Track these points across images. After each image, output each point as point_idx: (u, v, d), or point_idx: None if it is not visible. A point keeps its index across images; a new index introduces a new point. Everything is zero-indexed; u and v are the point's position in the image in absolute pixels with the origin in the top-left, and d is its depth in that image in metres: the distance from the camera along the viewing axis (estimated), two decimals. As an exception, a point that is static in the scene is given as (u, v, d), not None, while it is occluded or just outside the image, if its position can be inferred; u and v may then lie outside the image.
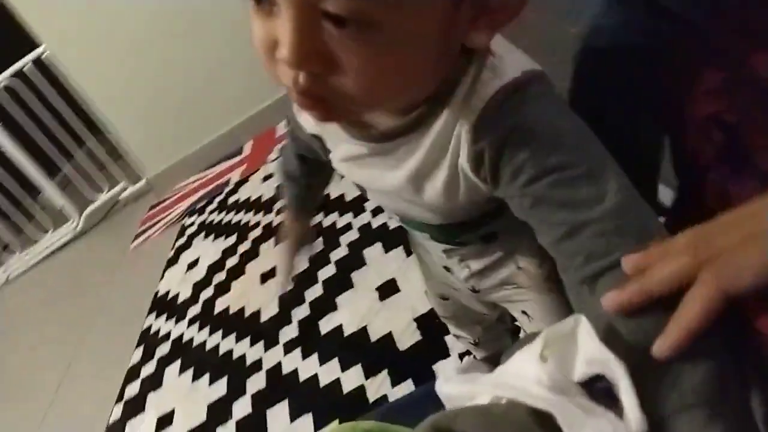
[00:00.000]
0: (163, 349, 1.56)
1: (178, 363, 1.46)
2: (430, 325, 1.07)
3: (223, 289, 1.65)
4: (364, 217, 1.53)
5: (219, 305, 1.58)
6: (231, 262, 1.75)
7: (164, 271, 1.98)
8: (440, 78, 0.42)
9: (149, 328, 1.70)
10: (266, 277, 1.57)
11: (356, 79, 0.36)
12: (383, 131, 0.45)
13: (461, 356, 0.96)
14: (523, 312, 0.63)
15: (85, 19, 2.43)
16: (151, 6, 2.41)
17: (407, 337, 1.09)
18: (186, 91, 2.58)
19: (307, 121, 0.54)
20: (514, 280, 0.60)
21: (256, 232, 1.82)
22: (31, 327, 2.37)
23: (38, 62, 2.59)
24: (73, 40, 2.47)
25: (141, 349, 1.62)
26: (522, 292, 0.61)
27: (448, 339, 1.01)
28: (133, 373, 1.54)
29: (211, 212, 2.19)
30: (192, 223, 2.20)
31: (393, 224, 1.42)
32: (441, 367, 0.98)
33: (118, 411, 1.44)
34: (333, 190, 1.76)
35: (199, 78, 2.57)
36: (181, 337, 1.56)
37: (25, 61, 2.60)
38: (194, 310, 1.64)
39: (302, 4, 0.34)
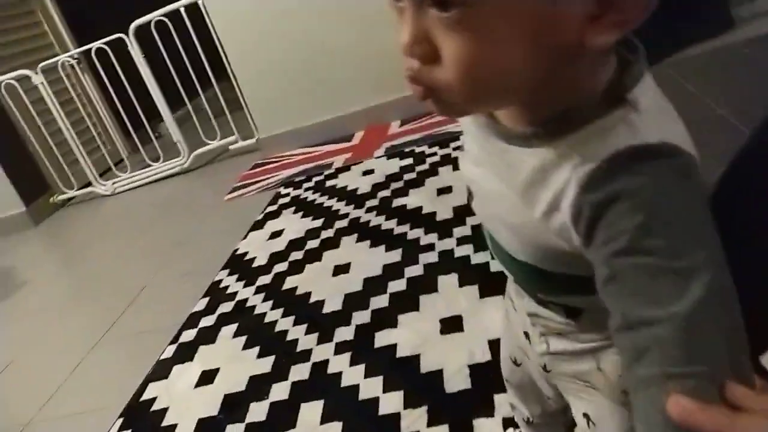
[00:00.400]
0: (225, 308, 1.61)
1: (234, 326, 1.50)
2: (483, 377, 1.04)
3: (296, 268, 1.68)
4: (448, 243, 1.51)
5: (288, 282, 1.62)
6: (311, 244, 1.78)
7: (249, 231, 2.05)
8: (554, 87, 0.40)
9: (219, 282, 1.76)
10: (339, 270, 1.58)
11: (453, 68, 0.37)
12: (504, 131, 0.45)
13: (505, 423, 0.93)
14: (585, 415, 0.59)
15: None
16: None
17: (457, 380, 1.06)
18: (316, 66, 2.65)
19: (462, 120, 0.53)
20: (589, 378, 0.56)
21: (342, 223, 1.84)
22: (123, 239, 2.53)
23: (191, 6, 2.75)
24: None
25: (206, 300, 1.68)
26: (593, 392, 0.57)
27: (498, 398, 0.98)
28: (192, 320, 1.61)
29: (307, 189, 2.24)
30: (286, 194, 2.26)
31: (477, 260, 1.40)
32: (481, 425, 0.95)
33: (169, 351, 1.51)
34: (426, 206, 1.76)
35: (332, 57, 2.63)
36: (245, 301, 1.61)
37: (181, 4, 2.77)
38: (264, 279, 1.68)
39: None
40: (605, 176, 0.37)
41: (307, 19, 2.58)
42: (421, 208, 1.75)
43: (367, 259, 1.58)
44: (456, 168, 1.89)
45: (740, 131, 1.49)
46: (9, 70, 3.11)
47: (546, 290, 0.53)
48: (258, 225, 2.07)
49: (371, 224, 1.77)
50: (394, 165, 2.17)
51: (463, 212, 1.63)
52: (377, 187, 2.03)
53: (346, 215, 1.89)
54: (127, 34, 2.89)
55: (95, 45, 3.01)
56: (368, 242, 1.67)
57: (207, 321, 1.58)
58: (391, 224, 1.72)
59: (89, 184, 3.30)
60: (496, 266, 1.30)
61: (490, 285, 1.28)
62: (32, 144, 3.24)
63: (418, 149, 2.23)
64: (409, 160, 2.16)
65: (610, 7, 0.35)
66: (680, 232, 0.36)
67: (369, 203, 1.92)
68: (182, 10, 2.79)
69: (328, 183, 2.22)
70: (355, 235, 1.74)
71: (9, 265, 2.77)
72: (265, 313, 1.51)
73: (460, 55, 0.36)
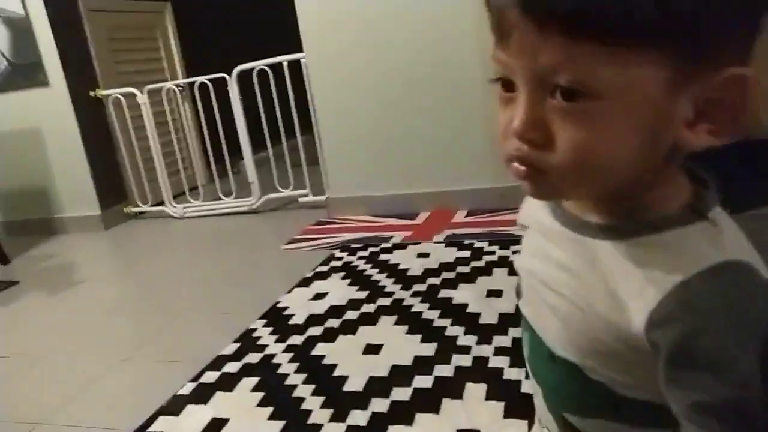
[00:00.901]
0: (252, 358, 1.61)
1: (256, 380, 1.50)
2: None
3: (330, 335, 1.67)
4: (485, 350, 1.46)
5: (318, 349, 1.61)
6: (350, 315, 1.78)
7: (295, 287, 2.07)
8: (640, 182, 0.43)
9: (253, 330, 1.78)
10: (370, 349, 1.56)
11: (569, 154, 0.39)
12: (578, 221, 0.47)
13: None
14: None
15: (349, 48, 2.69)
16: (409, 55, 2.60)
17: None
18: (398, 141, 2.72)
19: (522, 215, 0.57)
20: None
21: (385, 301, 1.83)
22: (178, 262, 2.61)
23: (294, 61, 2.91)
24: (330, 60, 2.73)
25: (236, 346, 1.69)
26: None
27: None
28: (218, 363, 1.61)
29: (361, 258, 2.25)
30: (340, 258, 2.28)
31: (510, 375, 1.35)
32: None
33: (188, 388, 1.51)
34: (473, 305, 1.73)
35: (414, 136, 2.69)
36: (272, 356, 1.60)
37: (285, 59, 2.95)
38: (296, 339, 1.68)
39: (536, 78, 0.39)
40: (691, 293, 0.39)
41: (398, 98, 2.67)
42: (467, 305, 1.73)
43: (401, 345, 1.56)
44: (512, 273, 1.86)
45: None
46: (120, 86, 3.35)
47: (574, 405, 0.51)
48: (305, 282, 2.09)
49: (413, 309, 1.75)
50: (451, 254, 2.16)
51: (507, 320, 1.59)
52: (429, 272, 2.02)
53: (391, 294, 1.88)
54: (230, 74, 3.07)
55: (200, 79, 3.22)
56: (406, 327, 1.65)
57: (231, 367, 1.58)
58: (433, 314, 1.70)
59: (162, 203, 3.45)
60: (527, 387, 1.25)
61: (518, 406, 1.23)
62: (122, 155, 3.44)
63: (477, 244, 2.22)
64: (466, 253, 2.14)
65: (705, 116, 0.39)
66: (736, 374, 0.39)
67: (416, 287, 1.90)
68: (285, 63, 2.95)
69: (382, 256, 2.23)
70: (395, 317, 1.72)
71: (74, 260, 2.91)
72: (288, 375, 1.50)
73: (579, 142, 0.39)
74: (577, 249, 0.47)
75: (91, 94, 3.31)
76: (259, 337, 1.73)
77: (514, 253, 2.05)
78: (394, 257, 2.21)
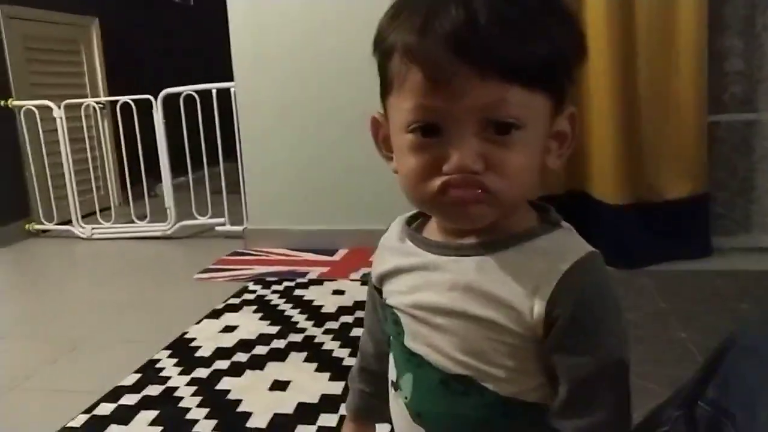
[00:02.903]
0: (153, 390, 1.55)
1: (154, 413, 1.44)
2: None
3: (237, 370, 1.64)
4: (393, 390, 1.49)
5: (224, 383, 1.57)
6: (259, 349, 1.75)
7: (204, 318, 2.02)
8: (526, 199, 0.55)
9: (157, 361, 1.71)
10: (277, 385, 1.54)
11: (513, 173, 0.48)
12: (456, 245, 0.55)
13: None
14: None
15: (280, 82, 2.72)
16: (338, 93, 2.65)
17: None
18: (320, 176, 2.75)
19: (377, 265, 0.65)
20: None
21: (296, 337, 1.82)
22: (81, 285, 2.48)
23: (224, 89, 2.91)
24: (260, 92, 2.75)
25: (137, 376, 1.63)
26: None
27: None
28: (115, 394, 1.54)
29: (275, 292, 2.24)
30: (253, 291, 2.26)
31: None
32: None
33: (80, 420, 1.43)
34: (383, 344, 1.74)
35: (338, 174, 2.73)
36: (175, 389, 1.55)
37: (215, 86, 2.94)
38: (201, 372, 1.64)
39: (472, 124, 0.47)
40: (570, 281, 0.50)
41: (325, 134, 2.71)
42: None
43: (309, 383, 1.55)
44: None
45: (696, 360, 1.52)
46: (35, 98, 3.21)
47: (468, 428, 0.56)
48: (215, 314, 2.05)
49: (323, 347, 1.75)
50: (366, 293, 2.17)
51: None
52: (342, 310, 2.03)
53: (302, 330, 1.88)
54: (156, 96, 3.02)
55: (124, 98, 3.14)
56: (315, 365, 1.65)
57: (129, 399, 1.52)
58: (343, 353, 1.71)
59: (69, 221, 3.29)
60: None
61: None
62: (30, 169, 3.27)
63: (392, 284, 2.25)
64: (381, 293, 2.17)
65: (556, 145, 0.53)
66: (610, 327, 0.53)
67: (329, 324, 1.91)
68: (214, 91, 2.94)
69: (297, 292, 2.22)
70: (305, 354, 1.71)
71: (-42, 279, 2.70)
72: (189, 409, 1.45)
73: (518, 164, 0.49)
74: (464, 267, 0.54)
75: (2, 103, 3.14)
76: (162, 369, 1.67)
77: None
78: (309, 293, 2.21)
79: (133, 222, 3.27)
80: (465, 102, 0.46)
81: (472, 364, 0.54)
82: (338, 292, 2.20)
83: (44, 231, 3.34)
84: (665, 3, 2.20)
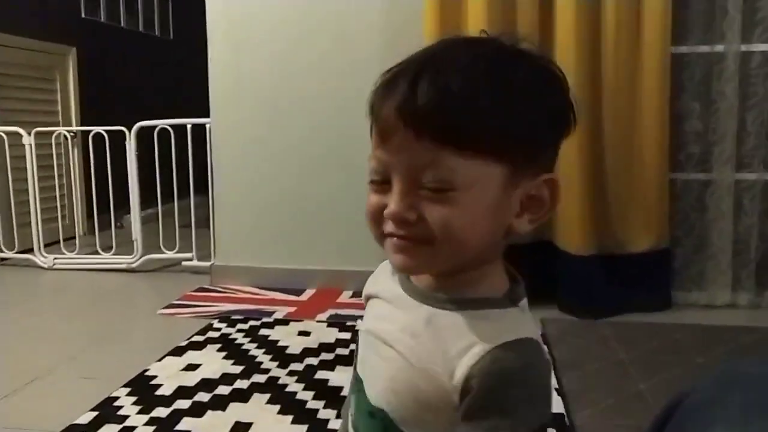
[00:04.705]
0: (110, 430, 1.51)
1: (110, 454, 1.41)
2: None
3: (197, 410, 1.61)
4: (356, 435, 1.48)
5: (184, 423, 1.54)
6: (222, 389, 1.73)
7: (166, 355, 1.98)
8: (486, 260, 0.58)
9: (115, 399, 1.67)
10: (239, 428, 1.52)
11: (437, 224, 0.52)
12: (428, 293, 0.59)
13: None
14: None
15: (256, 120, 2.76)
16: (313, 134, 2.71)
17: None
18: (290, 214, 2.77)
19: (369, 284, 0.70)
20: None
21: (260, 378, 1.81)
22: (38, 317, 2.42)
23: (197, 125, 2.93)
24: (236, 129, 2.78)
25: (93, 414, 1.59)
26: None
27: None
28: (69, 433, 1.50)
29: (240, 330, 2.21)
30: (218, 329, 2.23)
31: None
32: None
33: (31, 460, 1.39)
34: (348, 389, 1.74)
35: (307, 213, 2.75)
36: (132, 429, 1.52)
37: (190, 121, 2.96)
38: (161, 412, 1.60)
39: (409, 178, 0.53)
40: (498, 354, 0.52)
41: (297, 173, 2.73)
42: (341, 388, 1.74)
43: (271, 425, 1.53)
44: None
45: (651, 411, 1.55)
46: (6, 124, 3.18)
47: None
48: (178, 351, 2.01)
49: (287, 389, 1.74)
50: (332, 335, 2.18)
51: (379, 406, 1.61)
52: (307, 351, 2.02)
53: (267, 371, 1.86)
54: (130, 129, 3.02)
55: (97, 129, 3.13)
56: (278, 407, 1.63)
57: (84, 439, 1.48)
58: (307, 395, 1.70)
59: (30, 250, 3.22)
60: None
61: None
62: (-7, 195, 3.21)
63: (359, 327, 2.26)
64: (347, 335, 2.17)
65: (528, 208, 0.56)
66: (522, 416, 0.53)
67: (293, 366, 1.89)
68: (189, 126, 2.95)
69: (263, 331, 2.21)
70: (268, 395, 1.70)
71: None
72: (146, 450, 1.42)
73: (445, 218, 0.52)
74: (420, 314, 0.58)
75: (-30, 128, 3.10)
76: (120, 407, 1.63)
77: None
78: (275, 333, 2.19)
79: (97, 253, 3.21)
80: (403, 157, 0.53)
81: (394, 404, 0.58)
82: (304, 333, 2.19)
83: (3, 259, 3.25)
84: (631, 66, 2.32)
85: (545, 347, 0.57)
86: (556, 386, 1.69)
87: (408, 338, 0.57)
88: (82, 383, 1.82)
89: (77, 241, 3.32)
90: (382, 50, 2.57)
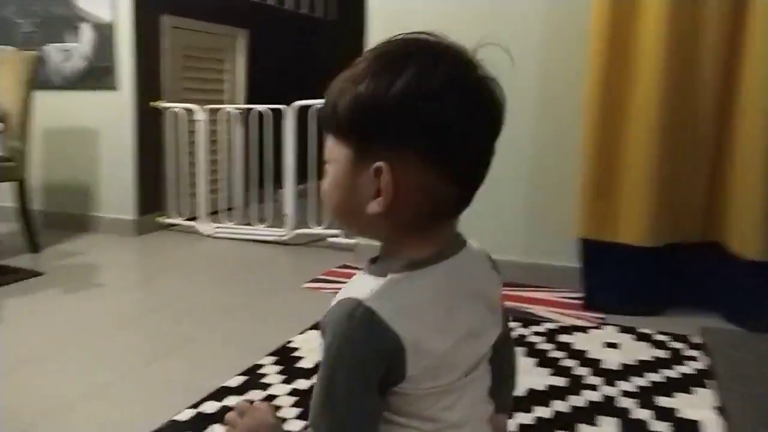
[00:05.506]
0: (255, 395, 1.58)
1: (254, 419, 1.46)
2: None
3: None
4: None
5: (321, 398, 1.57)
6: (360, 369, 1.73)
7: (309, 328, 2.04)
8: (395, 236, 0.69)
9: (260, 366, 1.75)
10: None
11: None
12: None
13: None
14: None
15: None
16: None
17: None
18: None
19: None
20: None
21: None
22: (198, 281, 2.62)
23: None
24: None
25: (242, 379, 1.67)
26: None
27: None
28: (219, 394, 1.59)
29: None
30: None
31: None
32: None
33: (185, 415, 1.49)
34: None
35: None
36: (275, 397, 1.57)
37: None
38: (301, 384, 1.64)
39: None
40: (331, 308, 0.66)
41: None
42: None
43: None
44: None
45: None
46: (181, 101, 3.46)
47: None
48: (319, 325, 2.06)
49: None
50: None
51: None
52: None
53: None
54: (288, 106, 3.14)
55: (259, 107, 3.30)
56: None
57: (232, 400, 1.55)
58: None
59: (194, 218, 3.49)
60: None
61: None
62: (168, 167, 3.51)
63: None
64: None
65: (378, 195, 0.63)
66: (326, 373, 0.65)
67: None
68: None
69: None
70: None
71: (99, 262, 2.95)
72: (287, 419, 1.46)
73: (324, 185, 0.69)
74: None
75: (152, 104, 3.41)
76: (265, 375, 1.70)
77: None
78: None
79: (252, 224, 3.41)
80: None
81: None
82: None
83: (171, 225, 3.56)
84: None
85: (376, 305, 0.63)
86: (719, 404, 1.49)
87: None
88: (231, 348, 1.92)
89: (234, 213, 3.54)
90: (540, 49, 2.46)
